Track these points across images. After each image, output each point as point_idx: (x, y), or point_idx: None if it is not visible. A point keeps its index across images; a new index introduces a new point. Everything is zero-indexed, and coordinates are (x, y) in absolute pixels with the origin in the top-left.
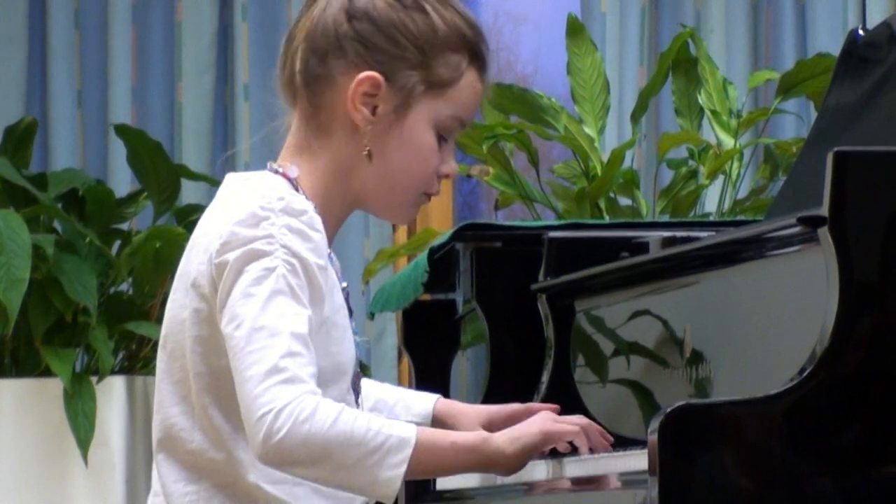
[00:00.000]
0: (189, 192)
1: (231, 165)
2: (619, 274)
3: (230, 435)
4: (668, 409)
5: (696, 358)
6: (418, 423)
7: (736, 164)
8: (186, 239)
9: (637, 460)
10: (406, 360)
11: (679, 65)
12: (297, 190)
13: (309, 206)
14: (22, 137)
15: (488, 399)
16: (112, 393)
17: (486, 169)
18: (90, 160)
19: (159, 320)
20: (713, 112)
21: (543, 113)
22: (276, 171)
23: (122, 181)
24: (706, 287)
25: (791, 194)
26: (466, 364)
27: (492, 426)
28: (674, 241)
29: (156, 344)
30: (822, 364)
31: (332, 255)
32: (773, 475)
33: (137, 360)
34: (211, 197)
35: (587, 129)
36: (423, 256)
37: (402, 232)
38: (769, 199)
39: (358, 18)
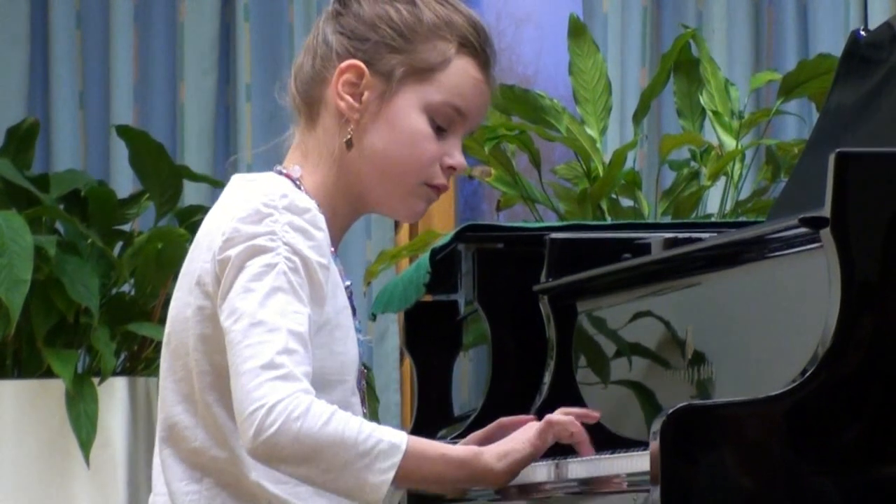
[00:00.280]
0: (191, 193)
1: (234, 168)
2: (621, 275)
3: (233, 433)
4: (670, 410)
5: (698, 359)
6: None
7: (738, 166)
8: (188, 240)
9: (639, 461)
10: (408, 361)
11: (681, 66)
12: (300, 189)
13: (312, 205)
14: (24, 138)
15: (490, 400)
16: (114, 394)
17: (488, 170)
18: (92, 161)
19: (161, 321)
20: (715, 113)
21: (545, 114)
22: (281, 173)
23: (123, 182)
24: (708, 288)
25: (793, 195)
26: (468, 365)
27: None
28: (676, 242)
29: (158, 345)
30: (823, 365)
31: (337, 255)
32: (774, 476)
33: (139, 361)
34: (213, 198)
35: (589, 130)
36: (424, 258)
37: (404, 233)
38: (771, 200)
39: (343, 15)
